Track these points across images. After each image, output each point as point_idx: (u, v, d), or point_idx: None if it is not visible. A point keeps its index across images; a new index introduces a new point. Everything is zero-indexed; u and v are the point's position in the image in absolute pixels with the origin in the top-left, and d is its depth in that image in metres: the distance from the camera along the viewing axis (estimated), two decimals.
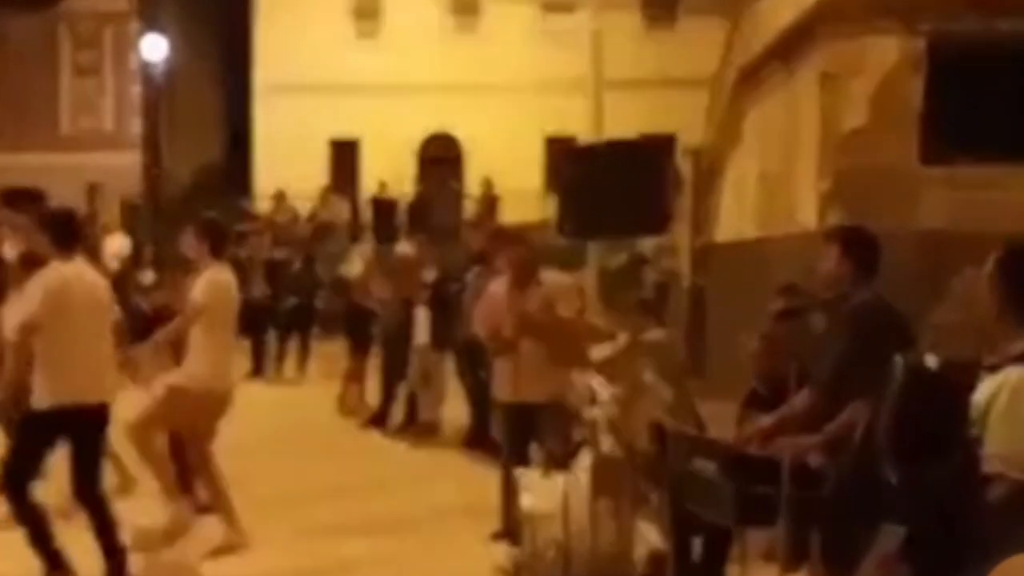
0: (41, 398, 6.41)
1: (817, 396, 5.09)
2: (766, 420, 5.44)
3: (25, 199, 23.40)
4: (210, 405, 7.49)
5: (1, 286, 12.83)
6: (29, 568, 6.46)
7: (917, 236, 10.27)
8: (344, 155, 28.96)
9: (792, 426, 5.11)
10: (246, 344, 15.03)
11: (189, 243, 7.67)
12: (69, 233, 6.68)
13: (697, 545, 5.86)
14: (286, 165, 26.43)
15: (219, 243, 7.62)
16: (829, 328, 5.34)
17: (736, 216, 14.29)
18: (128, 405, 7.34)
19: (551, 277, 7.71)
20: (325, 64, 27.75)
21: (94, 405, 6.52)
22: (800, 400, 5.20)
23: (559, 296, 7.51)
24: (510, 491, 7.14)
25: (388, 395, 12.36)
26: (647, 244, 16.30)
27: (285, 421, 12.38)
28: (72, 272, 6.56)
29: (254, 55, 28.97)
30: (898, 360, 4.10)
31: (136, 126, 29.25)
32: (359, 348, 13.36)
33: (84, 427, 6.50)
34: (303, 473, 9.92)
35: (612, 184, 9.95)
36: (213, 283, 7.44)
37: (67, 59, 29.43)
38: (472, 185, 26.57)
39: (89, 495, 6.52)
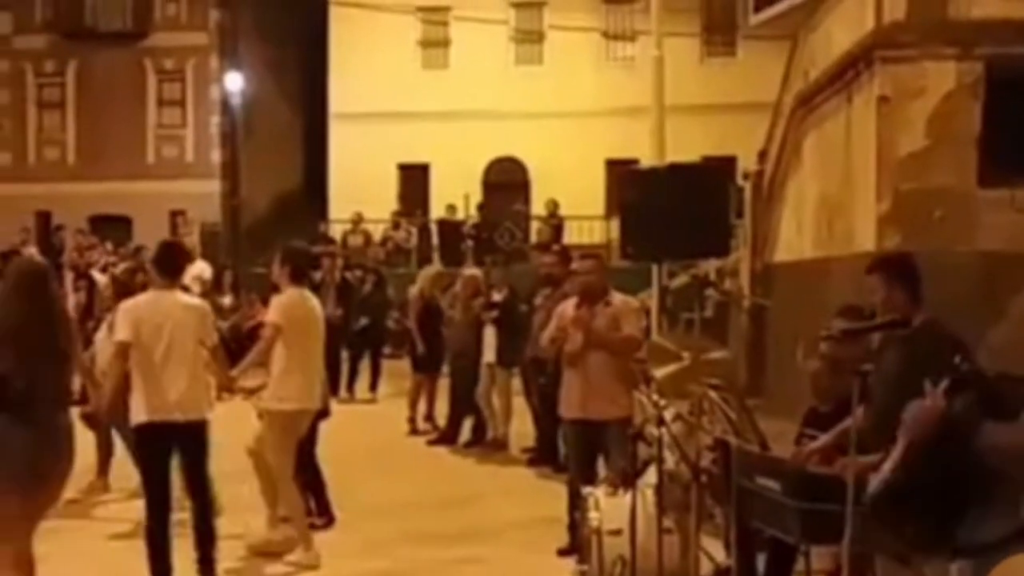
0: (137, 414, 6.82)
1: (874, 416, 5.09)
2: (824, 439, 5.57)
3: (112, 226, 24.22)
4: (300, 423, 7.88)
5: (90, 308, 13.29)
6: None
7: (975, 257, 10.39)
8: (414, 180, 29.43)
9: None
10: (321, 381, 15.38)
11: (276, 266, 8.06)
12: (172, 263, 7.14)
13: (761, 562, 5.92)
14: (359, 190, 26.97)
15: (299, 269, 7.98)
16: (886, 349, 5.41)
17: (795, 237, 14.43)
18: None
19: (619, 297, 7.82)
20: (396, 92, 28.30)
21: (186, 422, 6.84)
22: (858, 420, 5.28)
23: (626, 315, 7.66)
24: (577, 508, 7.35)
25: (456, 413, 12.65)
26: (708, 265, 16.47)
27: (357, 439, 12.61)
28: (167, 298, 6.94)
29: (329, 85, 29.59)
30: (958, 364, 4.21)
31: (216, 155, 29.97)
32: (417, 367, 13.70)
33: (183, 442, 6.90)
34: (372, 490, 10.17)
35: (674, 207, 10.21)
36: (286, 305, 7.77)
37: (152, 92, 30.25)
38: (537, 208, 26.87)
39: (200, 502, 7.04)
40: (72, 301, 14.51)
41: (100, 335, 9.20)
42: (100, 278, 18.02)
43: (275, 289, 8.16)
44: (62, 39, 30.19)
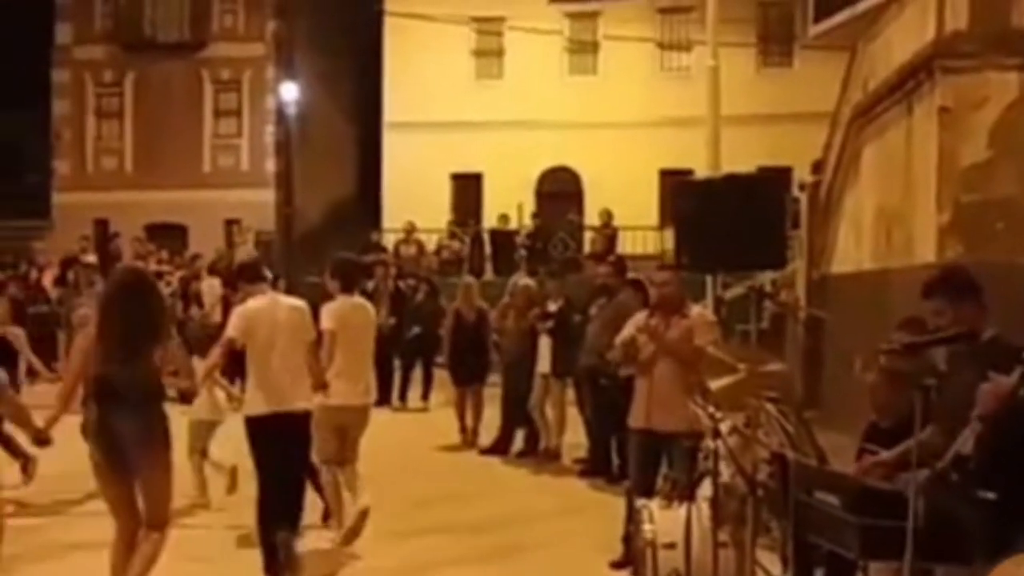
0: (255, 406, 7.38)
1: (943, 432, 5.03)
2: (887, 455, 5.48)
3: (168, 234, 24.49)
4: (347, 419, 8.35)
5: None
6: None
7: None
8: (467, 189, 29.52)
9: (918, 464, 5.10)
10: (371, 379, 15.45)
11: (328, 277, 8.64)
12: (254, 272, 8.00)
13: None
14: (412, 199, 27.11)
15: (348, 280, 8.58)
16: (956, 364, 5.32)
17: (853, 249, 14.28)
18: None
19: (696, 309, 7.78)
20: (449, 102, 28.46)
21: (294, 412, 7.43)
22: (925, 436, 5.20)
23: (700, 327, 7.56)
24: (631, 519, 7.29)
25: (509, 423, 12.62)
26: (763, 276, 16.34)
27: (408, 447, 12.70)
28: (277, 301, 7.70)
29: (383, 95, 29.76)
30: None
31: (271, 165, 30.25)
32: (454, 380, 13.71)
33: (292, 431, 7.44)
34: (421, 498, 10.22)
35: (730, 217, 10.13)
36: (336, 313, 8.30)
37: (209, 102, 30.61)
38: (590, 218, 26.83)
39: (288, 498, 7.48)
40: None
41: None
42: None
43: (328, 297, 8.56)
44: (121, 50, 30.61)
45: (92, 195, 29.84)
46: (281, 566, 7.35)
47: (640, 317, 7.75)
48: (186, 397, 7.65)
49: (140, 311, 6.49)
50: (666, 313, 7.58)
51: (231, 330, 7.47)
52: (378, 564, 8.01)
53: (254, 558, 7.41)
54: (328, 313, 8.28)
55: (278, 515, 7.43)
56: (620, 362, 7.93)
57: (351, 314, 8.42)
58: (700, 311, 7.88)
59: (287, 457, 7.49)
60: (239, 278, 8.15)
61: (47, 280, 19.77)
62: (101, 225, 28.11)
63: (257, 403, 7.41)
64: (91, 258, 19.48)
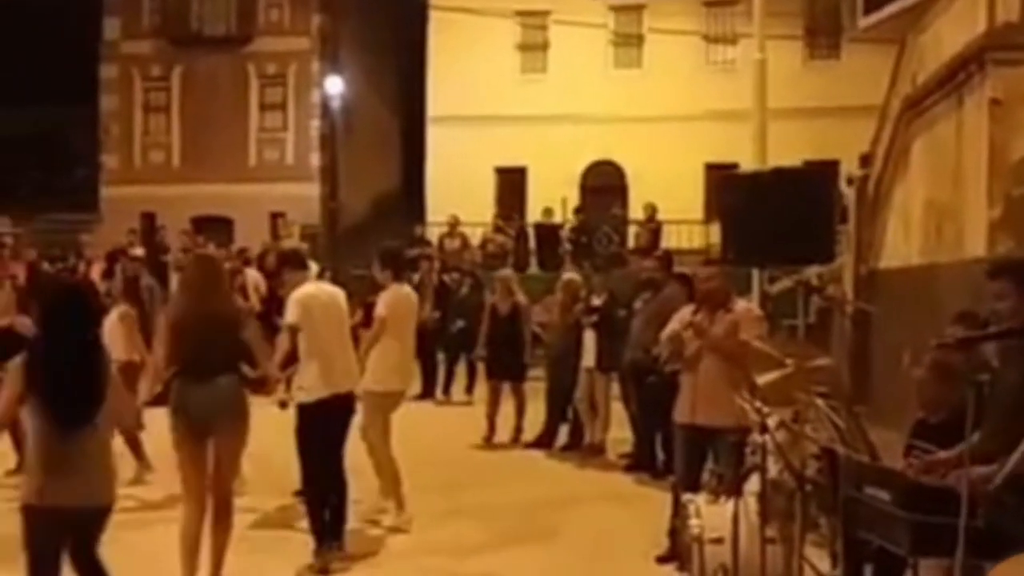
0: (316, 390, 7.63)
1: (996, 428, 4.95)
2: (945, 454, 5.40)
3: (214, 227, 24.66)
4: (389, 403, 8.79)
5: None
6: None
7: None
8: (511, 183, 29.52)
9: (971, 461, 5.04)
10: (414, 365, 15.49)
11: (377, 268, 8.98)
12: (297, 259, 8.36)
13: (868, 573, 5.78)
14: (456, 193, 27.13)
15: (400, 268, 9.08)
16: (1010, 359, 5.24)
17: (902, 243, 14.15)
18: None
19: (742, 304, 7.75)
20: (494, 96, 28.47)
21: (345, 393, 7.84)
22: (976, 438, 5.11)
23: (747, 322, 7.54)
24: (679, 514, 7.26)
25: (554, 417, 12.60)
26: (810, 270, 16.20)
27: (451, 440, 12.72)
28: (324, 287, 8.10)
29: (427, 89, 29.81)
30: None
31: (316, 159, 30.39)
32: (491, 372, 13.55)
33: (340, 411, 7.80)
34: (468, 490, 10.27)
35: (778, 212, 10.03)
36: (390, 301, 8.74)
37: (254, 96, 30.80)
38: (636, 212, 26.75)
39: (337, 471, 7.80)
40: None
41: None
42: None
43: (377, 289, 8.99)
44: (168, 44, 30.85)
45: (139, 189, 30.11)
46: (328, 544, 7.63)
47: (685, 312, 7.73)
48: (261, 385, 7.76)
49: (220, 294, 7.03)
50: (711, 308, 7.55)
51: (291, 317, 7.79)
52: (420, 546, 8.14)
53: (297, 539, 7.58)
54: (384, 301, 8.73)
55: (326, 494, 7.72)
56: (666, 358, 7.90)
57: (403, 302, 8.88)
58: (746, 306, 7.85)
59: (337, 437, 7.81)
60: (284, 265, 8.40)
61: (95, 273, 19.92)
62: (148, 218, 28.34)
63: (317, 387, 7.65)
64: (138, 251, 19.58)
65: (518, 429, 13.05)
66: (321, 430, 7.71)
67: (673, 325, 7.75)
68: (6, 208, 25.81)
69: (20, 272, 17.21)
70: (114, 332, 9.85)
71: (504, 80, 29.08)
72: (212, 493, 6.87)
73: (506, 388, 13.29)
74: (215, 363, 6.79)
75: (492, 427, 13.03)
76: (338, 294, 8.10)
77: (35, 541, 5.27)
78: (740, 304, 7.73)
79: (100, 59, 31.39)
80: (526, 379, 13.31)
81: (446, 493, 9.91)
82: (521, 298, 13.58)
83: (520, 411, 13.14)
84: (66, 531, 5.30)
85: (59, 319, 5.41)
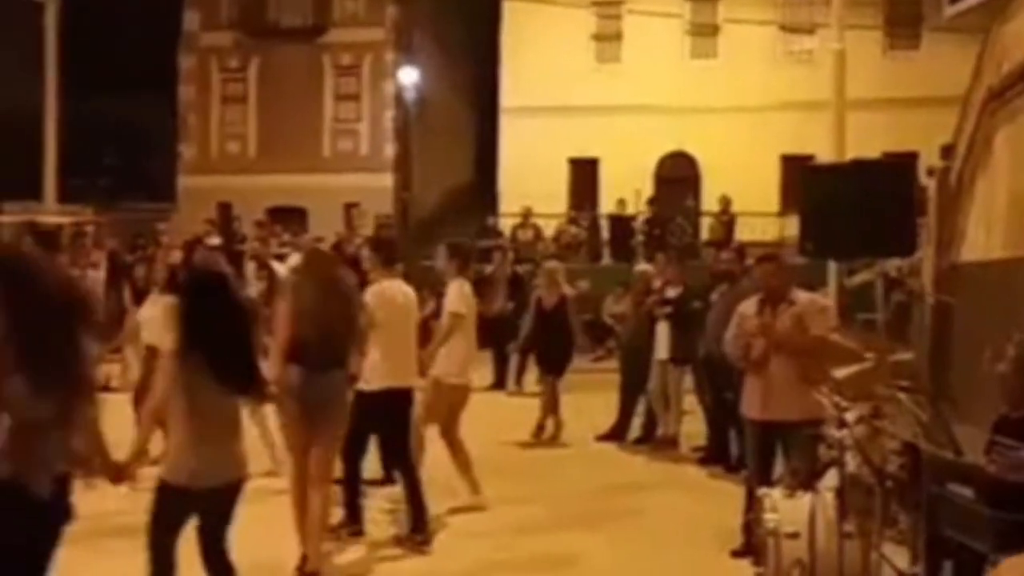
0: (379, 379, 7.80)
1: None
2: None
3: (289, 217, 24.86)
4: (458, 396, 8.94)
5: (270, 296, 13.67)
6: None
7: None
8: (584, 174, 29.46)
9: None
10: (487, 356, 15.52)
11: (442, 261, 9.15)
12: (391, 253, 8.46)
13: (947, 570, 5.77)
14: (529, 184, 27.11)
15: (464, 262, 9.24)
16: None
17: (984, 236, 13.86)
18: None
19: (804, 296, 7.66)
20: (567, 86, 28.42)
21: (406, 388, 8.09)
22: None
23: (812, 315, 7.48)
24: (753, 509, 7.19)
25: (626, 409, 12.53)
26: (889, 263, 15.96)
27: (523, 432, 12.70)
28: (395, 284, 8.17)
29: (501, 79, 29.82)
30: None
31: (390, 149, 30.56)
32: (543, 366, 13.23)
33: (402, 403, 8.04)
34: (540, 483, 10.27)
35: (857, 204, 9.90)
36: (461, 295, 8.86)
37: (329, 86, 31.05)
38: (709, 204, 26.57)
39: (403, 460, 8.09)
40: (255, 290, 14.88)
41: None
42: (279, 267, 18.50)
43: (436, 278, 9.35)
44: (246, 36, 31.19)
45: (216, 178, 30.51)
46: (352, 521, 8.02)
47: (745, 307, 7.68)
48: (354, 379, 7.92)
49: (336, 286, 7.28)
50: (773, 303, 7.50)
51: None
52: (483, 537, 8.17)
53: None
54: (455, 295, 8.83)
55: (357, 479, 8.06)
56: (735, 359, 7.83)
57: (469, 297, 9.01)
58: (810, 297, 7.75)
59: (396, 429, 8.05)
60: (378, 251, 8.46)
61: (172, 261, 20.17)
62: (224, 208, 28.69)
63: (378, 377, 7.80)
64: (215, 240, 19.82)
65: (540, 427, 12.63)
66: (375, 420, 7.92)
67: (735, 321, 7.72)
68: (87, 197, 26.23)
69: (101, 260, 17.50)
70: (158, 320, 9.94)
71: (578, 70, 29.01)
72: (313, 473, 7.13)
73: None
74: (334, 355, 7.12)
75: (543, 424, 12.75)
76: (410, 293, 8.27)
77: (165, 519, 5.40)
78: (802, 295, 7.63)
79: (179, 50, 31.82)
80: (563, 374, 12.96)
81: (518, 480, 9.98)
82: (567, 290, 13.34)
83: (548, 408, 12.72)
84: (197, 510, 5.42)
85: (211, 302, 5.51)
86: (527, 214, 24.41)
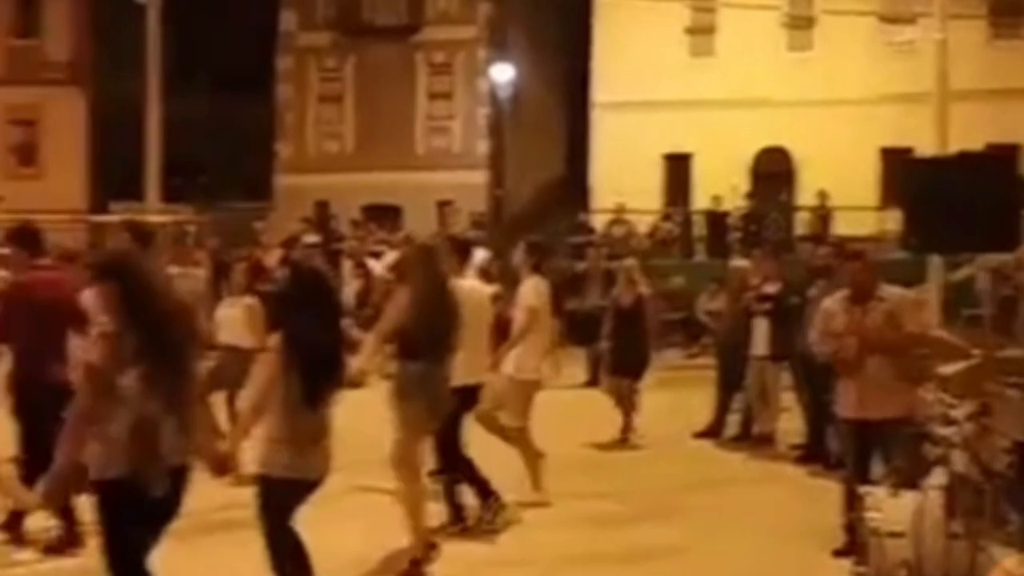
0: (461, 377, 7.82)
1: None
2: None
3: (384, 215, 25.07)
4: (532, 391, 9.00)
5: (366, 294, 13.87)
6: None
7: None
8: (677, 169, 29.27)
9: None
10: (581, 354, 15.48)
11: (519, 258, 9.32)
12: (466, 250, 8.68)
13: None
14: (622, 180, 27.02)
15: (540, 260, 9.30)
16: None
17: None
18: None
19: (894, 292, 7.54)
20: (661, 80, 28.26)
21: (478, 385, 8.21)
22: None
23: (905, 311, 7.37)
24: (854, 508, 7.10)
25: (723, 406, 12.41)
26: (992, 257, 15.63)
27: (615, 428, 12.61)
28: (469, 282, 8.29)
29: (593, 74, 29.72)
30: None
31: (483, 146, 30.66)
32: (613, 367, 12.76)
33: (473, 400, 8.17)
34: (634, 479, 10.23)
35: (961, 197, 9.68)
36: (537, 292, 8.98)
37: (422, 85, 31.27)
38: (804, 198, 26.23)
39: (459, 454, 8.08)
40: (352, 288, 15.05)
41: None
42: (375, 265, 18.70)
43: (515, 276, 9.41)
44: (342, 36, 31.53)
45: (312, 177, 30.88)
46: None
47: (830, 304, 7.59)
48: None
49: (446, 280, 7.45)
50: (861, 300, 7.40)
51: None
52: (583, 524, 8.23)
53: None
54: (531, 292, 8.95)
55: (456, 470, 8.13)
56: (827, 358, 7.74)
57: (544, 295, 9.10)
58: (900, 293, 7.62)
59: (460, 424, 8.10)
60: (455, 251, 8.53)
61: (271, 260, 20.46)
62: (321, 207, 29.01)
63: (459, 375, 7.77)
64: (312, 239, 20.07)
65: (626, 429, 12.18)
66: (458, 417, 8.00)
67: (819, 319, 7.64)
68: (187, 196, 26.72)
69: (203, 259, 17.81)
70: (239, 320, 10.06)
71: (672, 65, 28.79)
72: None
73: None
74: (450, 349, 7.29)
75: (626, 426, 12.24)
76: (484, 291, 8.52)
77: (278, 511, 5.54)
78: (891, 291, 7.52)
79: (276, 50, 32.26)
80: (641, 378, 12.49)
81: (611, 476, 10.01)
82: (644, 289, 12.91)
83: (628, 410, 12.26)
84: (300, 501, 5.58)
85: (312, 300, 5.65)
86: (620, 210, 24.32)
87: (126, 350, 4.74)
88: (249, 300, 10.50)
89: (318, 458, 5.57)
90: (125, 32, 24.63)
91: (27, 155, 33.27)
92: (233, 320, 9.85)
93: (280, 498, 5.54)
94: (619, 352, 12.49)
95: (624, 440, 12.03)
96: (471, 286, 8.30)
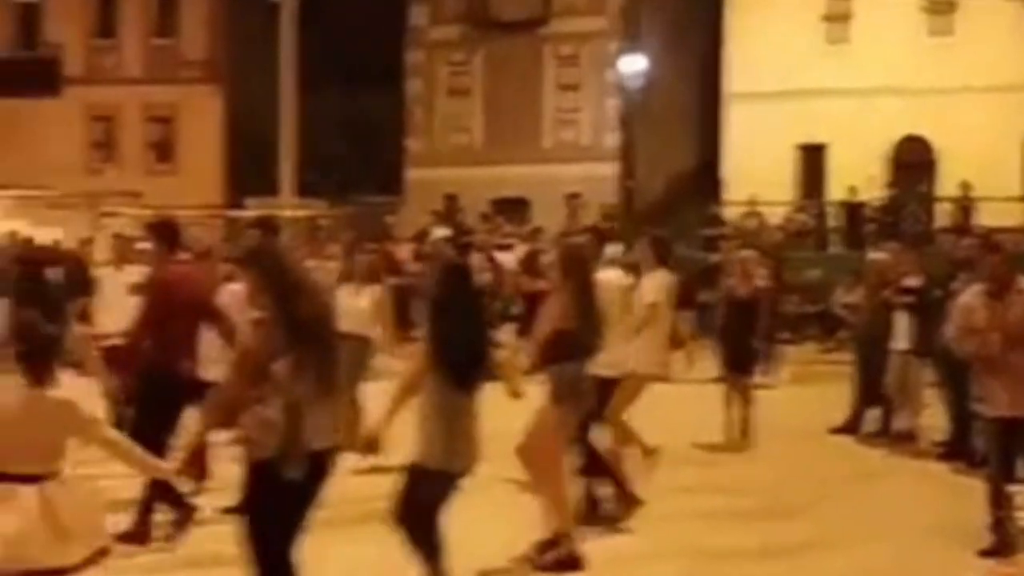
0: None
1: None
2: None
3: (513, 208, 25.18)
4: (644, 385, 8.79)
5: (497, 287, 13.92)
6: None
7: None
8: (812, 160, 28.77)
9: None
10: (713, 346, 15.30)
11: (642, 252, 9.14)
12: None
13: None
14: (755, 171, 26.68)
15: (665, 254, 9.15)
16: None
17: None
18: None
19: None
20: (795, 70, 27.79)
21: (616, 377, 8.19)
22: None
23: None
24: (1001, 507, 6.88)
25: (862, 402, 12.12)
26: None
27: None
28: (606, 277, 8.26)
29: (725, 65, 29.40)
30: None
31: (612, 139, 30.57)
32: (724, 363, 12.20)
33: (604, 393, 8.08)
34: (770, 474, 10.06)
35: None
36: (660, 284, 8.87)
37: (551, 77, 31.30)
38: (944, 189, 25.55)
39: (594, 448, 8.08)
40: (482, 281, 15.09)
41: None
42: (503, 258, 18.76)
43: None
44: (471, 29, 31.71)
45: (442, 171, 31.14)
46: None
47: (968, 300, 7.44)
48: None
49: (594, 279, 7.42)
50: (1000, 294, 7.24)
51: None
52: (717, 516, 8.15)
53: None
54: (653, 285, 8.86)
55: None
56: (965, 354, 7.52)
57: (664, 289, 9.01)
58: None
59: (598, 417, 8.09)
60: (600, 242, 8.73)
61: (403, 254, 20.69)
62: (450, 200, 29.25)
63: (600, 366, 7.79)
64: (443, 232, 20.25)
65: (745, 431, 11.56)
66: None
67: (956, 314, 7.49)
68: (320, 191, 27.16)
69: (337, 253, 18.08)
70: (365, 310, 10.11)
71: (806, 53, 28.24)
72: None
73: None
74: (600, 348, 7.25)
75: (748, 420, 11.62)
76: (625, 284, 8.50)
77: (424, 503, 5.66)
78: None
79: (405, 45, 32.60)
80: (752, 374, 12.01)
81: (748, 469, 9.86)
82: (761, 282, 12.47)
83: (745, 407, 11.62)
84: (449, 492, 5.71)
85: (460, 294, 5.82)
86: (753, 202, 24.01)
87: (278, 337, 4.92)
88: (376, 290, 10.56)
89: (467, 450, 5.69)
90: (259, 31, 25.17)
91: (164, 152, 34.27)
92: (359, 310, 9.90)
93: (428, 489, 5.64)
94: (731, 346, 11.86)
95: (744, 436, 11.50)
96: (609, 278, 8.27)
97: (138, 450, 5.07)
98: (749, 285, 12.02)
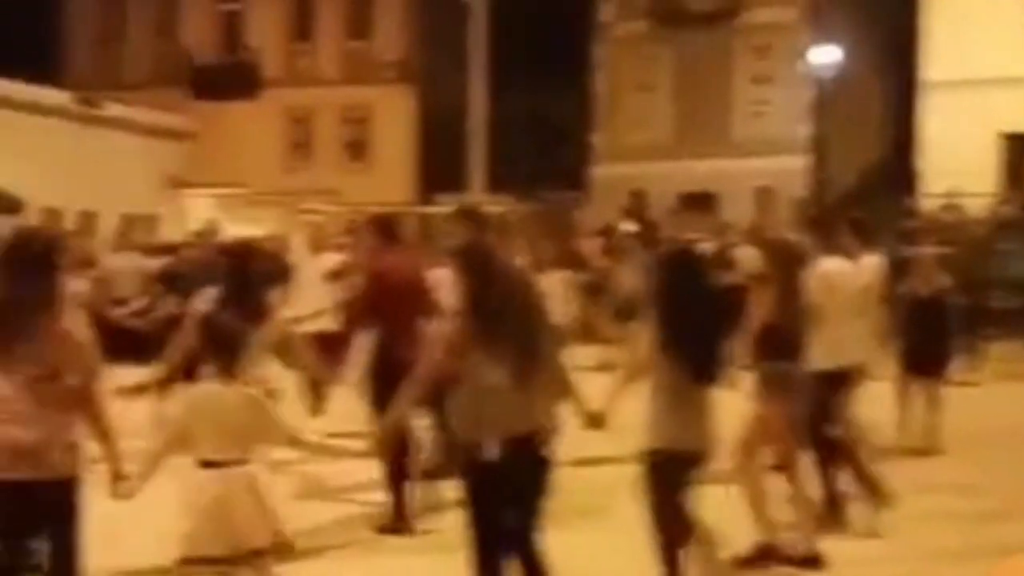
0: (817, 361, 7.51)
1: None
2: None
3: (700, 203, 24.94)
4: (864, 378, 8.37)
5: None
6: None
7: None
8: (1016, 150, 27.59)
9: None
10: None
11: (845, 237, 8.52)
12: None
13: None
14: (952, 162, 25.72)
15: (867, 237, 8.63)
16: None
17: None
18: None
19: None
20: (995, 56, 26.63)
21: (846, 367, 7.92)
22: None
23: None
24: None
25: None
26: None
27: (951, 424, 11.95)
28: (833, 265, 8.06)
29: (921, 52, 28.49)
30: None
31: (802, 131, 29.98)
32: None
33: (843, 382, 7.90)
34: (994, 474, 9.72)
35: None
36: (820, 276, 8.18)
37: (741, 69, 30.91)
38: None
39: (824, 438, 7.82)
40: None
41: None
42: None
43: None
44: (658, 23, 31.54)
45: (628, 166, 31.07)
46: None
47: None
48: None
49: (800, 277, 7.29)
50: None
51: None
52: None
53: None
54: (814, 278, 8.44)
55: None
56: None
57: (833, 277, 8.45)
58: None
59: (833, 409, 7.90)
60: (817, 232, 8.49)
61: (590, 248, 20.75)
62: (637, 195, 29.17)
63: (821, 359, 7.61)
64: (629, 227, 20.22)
65: (931, 436, 10.86)
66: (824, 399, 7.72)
67: None
68: (507, 187, 27.45)
69: (524, 248, 18.26)
70: (555, 295, 10.20)
71: (1007, 39, 27.05)
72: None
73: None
74: (806, 345, 7.16)
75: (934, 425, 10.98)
76: (849, 271, 8.20)
77: (665, 485, 5.70)
78: None
79: (592, 41, 32.64)
80: (942, 377, 11.21)
81: (968, 470, 9.63)
82: (945, 281, 11.57)
83: (933, 413, 10.95)
84: (689, 476, 5.74)
85: (690, 278, 5.84)
86: (951, 194, 23.18)
87: (476, 324, 5.11)
88: (564, 275, 10.62)
89: (703, 431, 5.71)
90: (451, 31, 25.56)
91: (358, 151, 35.20)
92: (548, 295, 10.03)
93: (667, 472, 5.68)
94: (914, 347, 11.02)
95: (928, 439, 10.84)
96: (838, 266, 8.11)
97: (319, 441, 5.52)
98: (932, 283, 11.41)
